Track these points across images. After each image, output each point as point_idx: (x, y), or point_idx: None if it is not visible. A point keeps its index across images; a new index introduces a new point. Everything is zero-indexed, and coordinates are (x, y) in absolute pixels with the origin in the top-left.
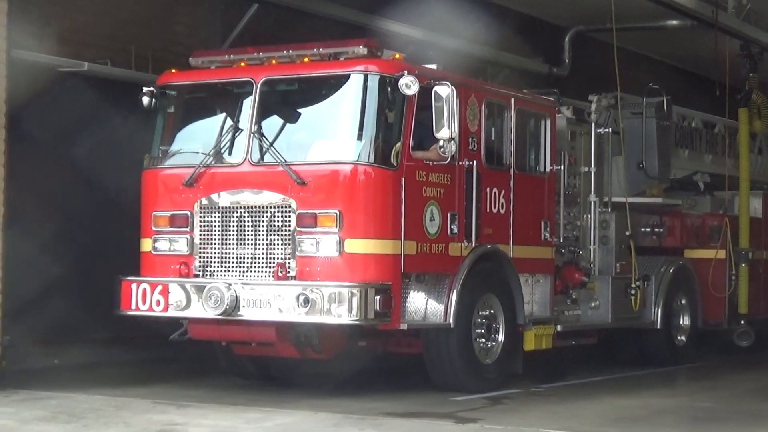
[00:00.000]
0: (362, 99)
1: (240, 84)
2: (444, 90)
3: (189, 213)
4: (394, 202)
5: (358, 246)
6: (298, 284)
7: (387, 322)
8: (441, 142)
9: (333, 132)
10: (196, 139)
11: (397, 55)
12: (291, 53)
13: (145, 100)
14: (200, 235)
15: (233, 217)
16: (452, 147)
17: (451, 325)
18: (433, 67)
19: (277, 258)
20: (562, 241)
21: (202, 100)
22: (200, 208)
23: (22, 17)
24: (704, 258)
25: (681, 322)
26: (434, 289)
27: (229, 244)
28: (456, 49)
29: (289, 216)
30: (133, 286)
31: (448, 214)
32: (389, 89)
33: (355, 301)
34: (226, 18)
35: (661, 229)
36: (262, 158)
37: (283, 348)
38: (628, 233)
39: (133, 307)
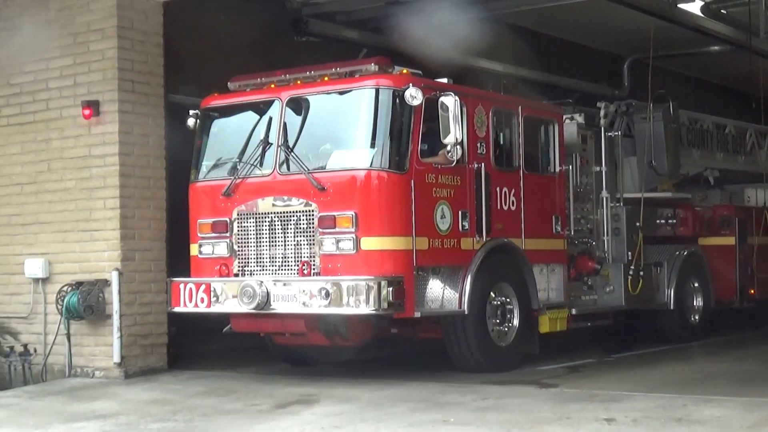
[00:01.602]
0: (374, 110)
1: (269, 103)
2: (448, 100)
3: (228, 220)
4: (405, 203)
5: (372, 243)
6: (320, 279)
7: (401, 311)
8: (448, 147)
9: (349, 141)
10: (233, 153)
11: (405, 71)
12: (313, 73)
13: (190, 121)
14: (238, 239)
15: (265, 222)
16: (458, 151)
17: (466, 312)
18: (444, 80)
19: (304, 256)
20: (573, 233)
21: (238, 119)
22: (237, 215)
23: (175, 68)
24: (716, 245)
25: (694, 303)
26: (450, 280)
27: (263, 245)
28: (537, 79)
29: (312, 219)
30: (181, 286)
31: (459, 212)
32: (397, 101)
33: (371, 293)
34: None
35: (675, 220)
36: (288, 168)
37: (313, 337)
38: (638, 224)
39: (182, 304)
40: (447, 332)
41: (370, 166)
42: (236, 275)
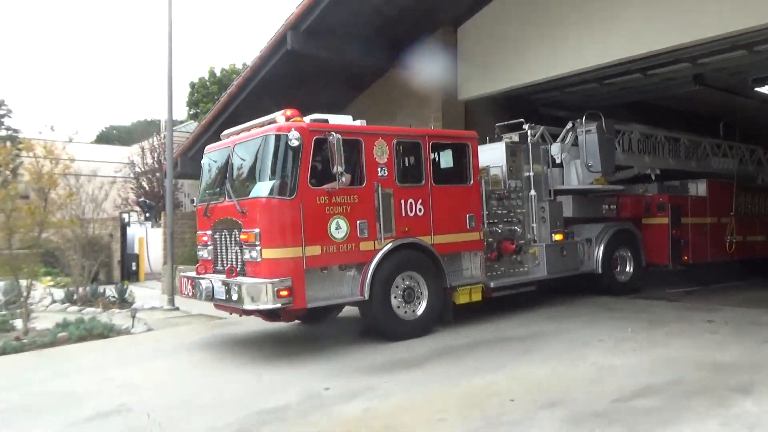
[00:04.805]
0: (273, 151)
1: (226, 148)
2: (331, 139)
3: (209, 232)
4: (292, 222)
5: (269, 253)
6: (230, 281)
7: (291, 304)
8: (337, 175)
9: (262, 175)
10: (214, 185)
11: (298, 119)
12: (252, 123)
13: (203, 161)
14: (212, 246)
15: (223, 234)
16: (344, 178)
17: (366, 298)
18: (353, 121)
19: (237, 262)
20: (503, 224)
21: (217, 160)
22: (212, 229)
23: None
24: (654, 223)
25: (626, 267)
26: (358, 274)
27: (223, 251)
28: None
29: (239, 234)
30: (181, 279)
31: (357, 222)
32: (287, 143)
33: (263, 292)
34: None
35: (615, 206)
36: (231, 197)
37: (259, 316)
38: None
39: (181, 292)
40: (361, 311)
41: (268, 194)
42: (214, 272)
